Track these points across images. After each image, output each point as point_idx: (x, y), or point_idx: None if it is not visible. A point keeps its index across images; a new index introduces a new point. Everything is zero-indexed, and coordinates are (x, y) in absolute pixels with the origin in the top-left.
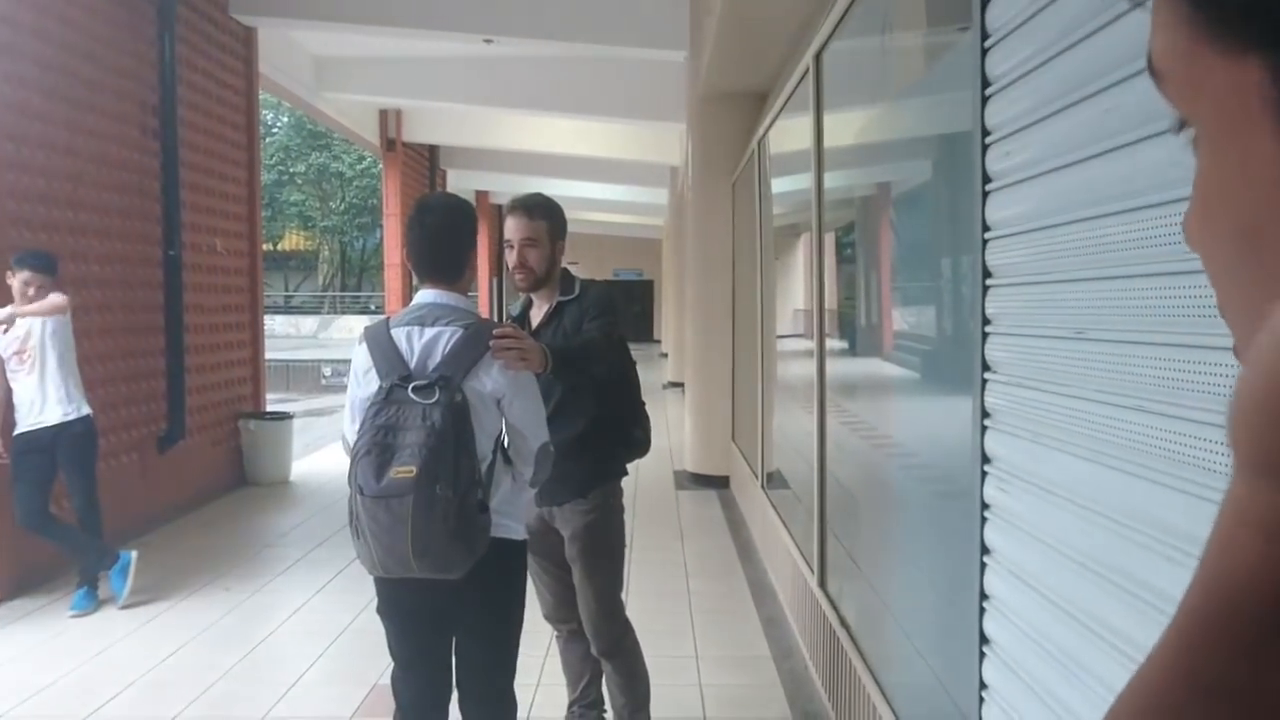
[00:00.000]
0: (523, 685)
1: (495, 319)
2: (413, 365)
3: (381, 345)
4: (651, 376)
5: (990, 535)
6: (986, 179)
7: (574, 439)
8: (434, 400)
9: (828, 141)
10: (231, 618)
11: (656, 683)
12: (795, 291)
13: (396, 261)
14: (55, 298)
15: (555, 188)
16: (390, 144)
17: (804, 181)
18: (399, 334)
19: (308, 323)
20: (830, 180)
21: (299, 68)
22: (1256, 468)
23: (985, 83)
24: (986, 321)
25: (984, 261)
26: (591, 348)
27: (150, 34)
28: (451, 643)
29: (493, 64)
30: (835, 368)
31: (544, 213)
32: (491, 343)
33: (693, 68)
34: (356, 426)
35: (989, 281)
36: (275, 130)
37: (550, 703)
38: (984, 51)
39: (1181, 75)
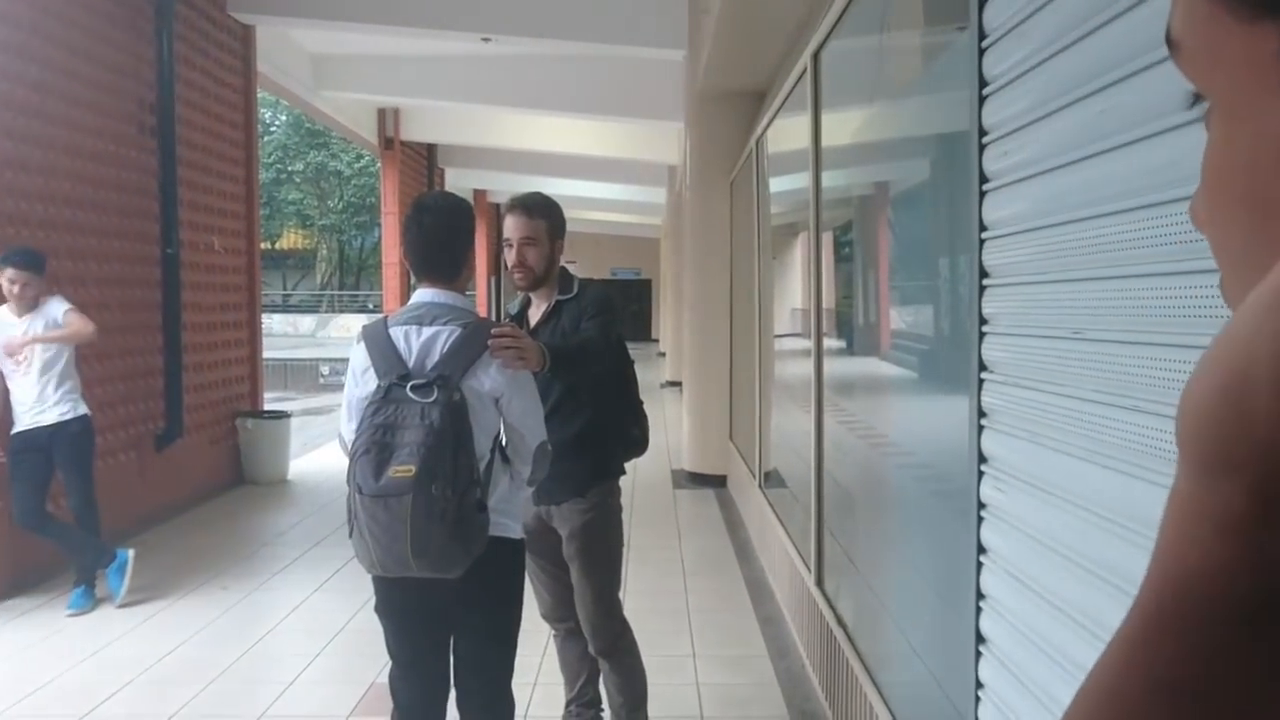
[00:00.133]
0: (520, 684)
1: (493, 318)
2: (411, 364)
3: (380, 344)
4: (649, 375)
5: (987, 535)
6: (984, 179)
7: (572, 438)
8: (432, 399)
9: (826, 141)
10: (229, 616)
11: (654, 681)
12: (793, 291)
13: (395, 260)
14: (79, 325)
15: (553, 186)
16: (388, 142)
17: (802, 181)
18: (397, 333)
19: (306, 321)
20: (828, 180)
21: (297, 66)
22: (1207, 465)
23: (983, 82)
24: (983, 321)
25: (981, 261)
26: (589, 346)
27: (148, 32)
28: (449, 642)
29: (491, 63)
30: (832, 367)
31: (543, 212)
32: (490, 342)
33: (691, 67)
34: (354, 425)
35: (986, 281)
36: (273, 128)
37: (548, 701)
38: (981, 51)
39: (1199, 45)
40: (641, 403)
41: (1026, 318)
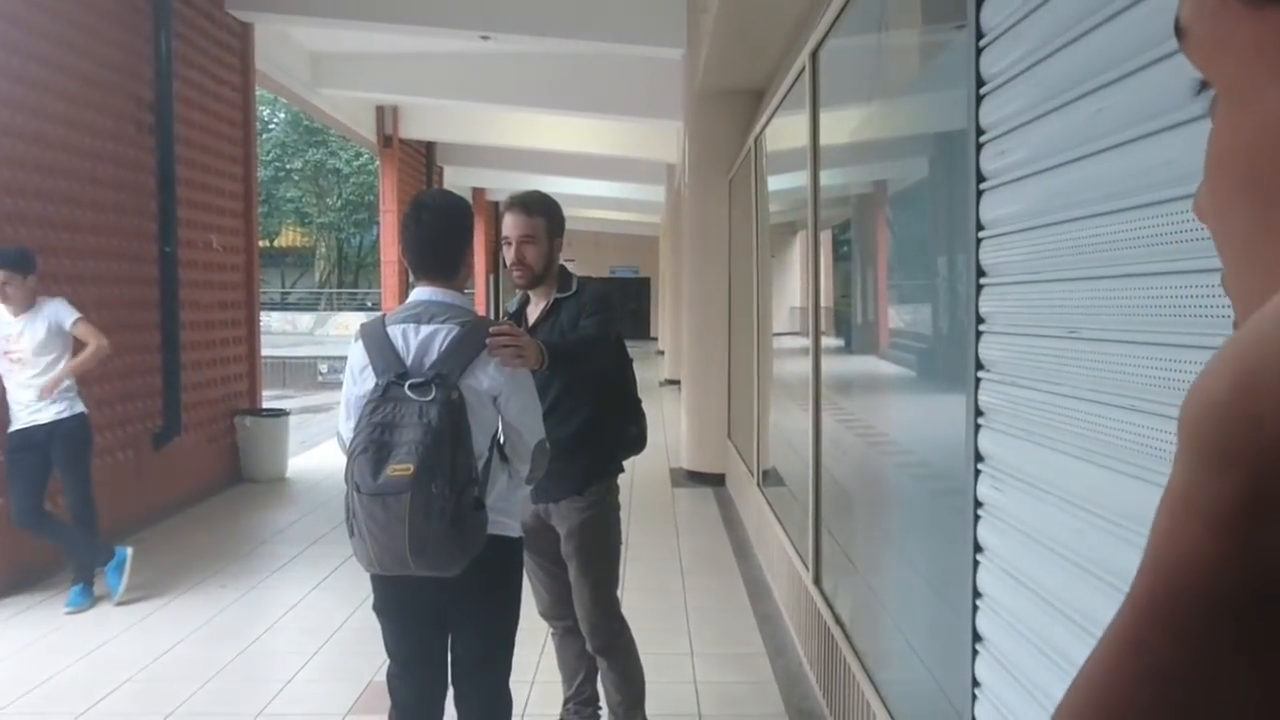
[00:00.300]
0: (518, 682)
1: (492, 316)
2: (409, 363)
3: (378, 342)
4: (648, 374)
5: (983, 533)
6: (980, 178)
7: (570, 436)
8: (431, 398)
9: (824, 139)
10: (227, 614)
11: (652, 680)
12: (791, 289)
13: (393, 258)
14: (97, 343)
15: (552, 185)
16: (387, 141)
17: (800, 179)
18: (395, 331)
19: (304, 319)
20: (826, 178)
21: (295, 64)
22: (1205, 460)
23: (980, 81)
24: (980, 320)
25: (978, 260)
26: (588, 344)
27: (146, 30)
28: (447, 640)
29: (489, 61)
30: (830, 366)
31: (542, 210)
32: (488, 340)
33: (689, 65)
34: (352, 424)
35: (983, 280)
36: (272, 126)
37: (546, 700)
38: (979, 51)
39: (1207, 32)
40: (640, 401)
41: (1023, 317)
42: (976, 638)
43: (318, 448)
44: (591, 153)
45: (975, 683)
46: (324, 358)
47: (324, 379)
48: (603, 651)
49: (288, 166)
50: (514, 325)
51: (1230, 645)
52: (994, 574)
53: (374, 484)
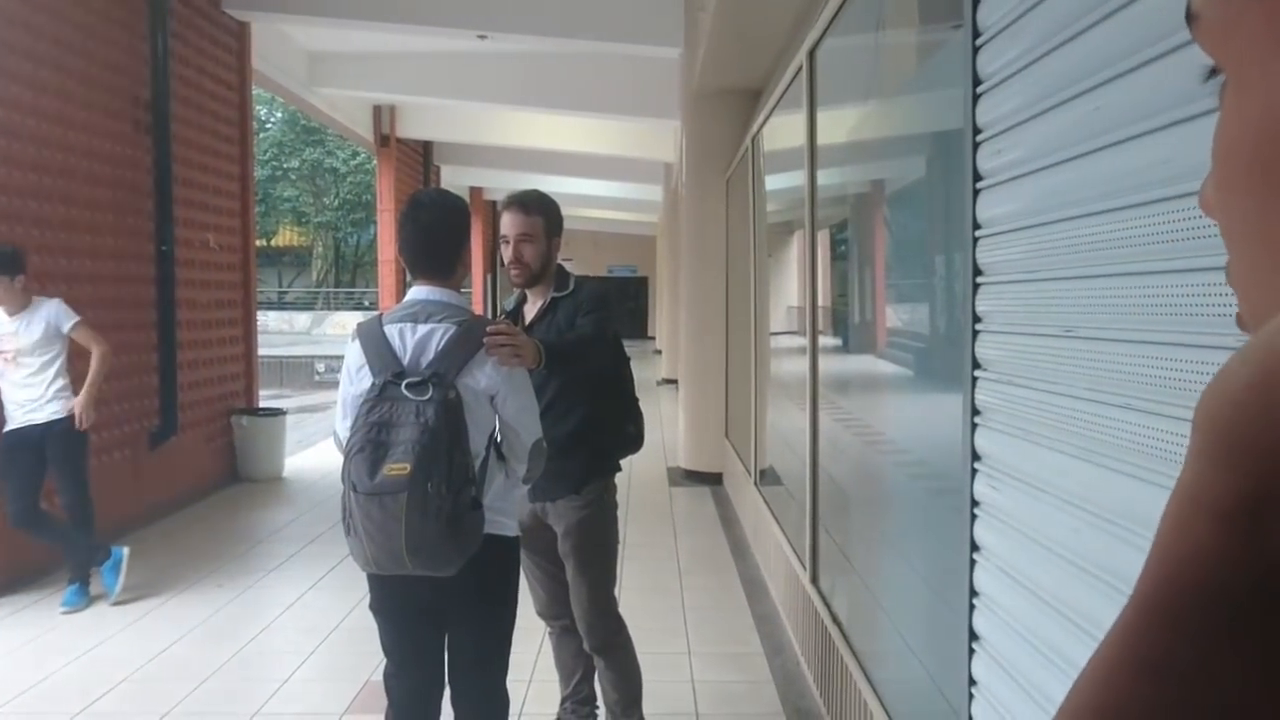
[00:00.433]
0: (515, 681)
1: (489, 315)
2: (406, 362)
3: (375, 342)
4: (645, 373)
5: (980, 532)
6: (977, 177)
7: (567, 435)
8: (427, 397)
9: (821, 139)
10: (224, 614)
11: (649, 679)
12: (788, 288)
13: (390, 258)
14: (100, 350)
15: (550, 184)
16: (384, 140)
17: (797, 178)
18: (392, 330)
19: (301, 319)
20: (823, 177)
21: (292, 63)
22: (1215, 454)
23: (976, 80)
24: (977, 319)
25: (975, 259)
26: (585, 343)
27: (142, 28)
28: (444, 639)
29: (487, 60)
30: (828, 365)
31: (540, 209)
32: (485, 339)
33: (687, 64)
34: (349, 423)
35: (979, 279)
36: (269, 125)
37: (543, 699)
38: (975, 50)
39: (1218, 15)
40: (637, 400)
41: (1019, 315)
42: (973, 636)
43: (314, 447)
44: (589, 152)
45: (972, 681)
46: (321, 357)
47: (321, 378)
48: (600, 650)
49: (285, 166)
50: (511, 324)
51: (1231, 641)
52: (991, 573)
53: (371, 483)
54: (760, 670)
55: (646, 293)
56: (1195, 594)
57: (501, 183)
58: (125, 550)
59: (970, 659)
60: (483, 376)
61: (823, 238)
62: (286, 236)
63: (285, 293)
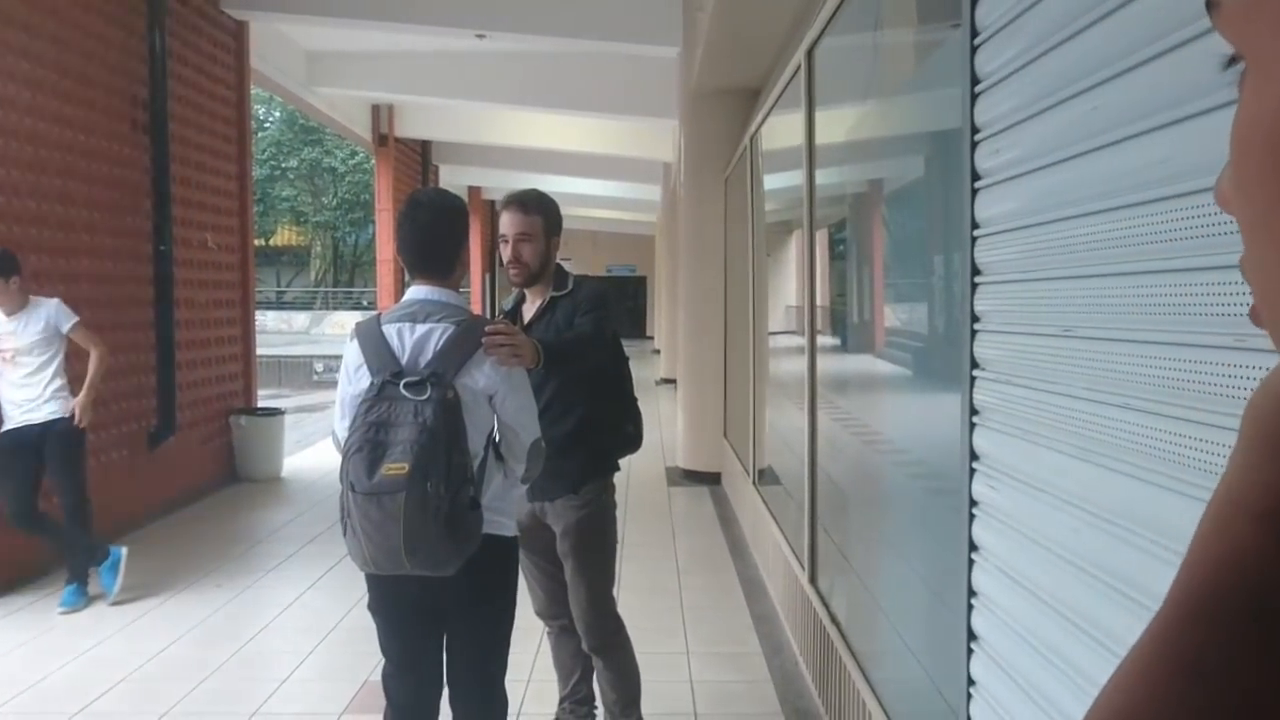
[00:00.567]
0: (514, 681)
1: (488, 315)
2: (404, 361)
3: (373, 341)
4: (644, 373)
5: (978, 532)
6: (976, 176)
7: (566, 435)
8: (426, 397)
9: (819, 138)
10: (222, 614)
11: (647, 679)
12: (787, 288)
13: (389, 257)
14: (99, 352)
15: (548, 183)
16: (382, 139)
17: (796, 178)
18: (390, 330)
19: (299, 318)
20: (822, 177)
21: (291, 62)
22: (1259, 454)
23: (975, 80)
24: (975, 319)
25: (973, 259)
26: (584, 342)
27: (141, 28)
28: (443, 639)
29: (485, 59)
30: (826, 364)
31: (539, 208)
32: (484, 339)
33: (685, 63)
34: (347, 423)
35: (978, 279)
36: (267, 125)
37: (541, 699)
38: (974, 49)
39: (1240, 2)
40: (636, 399)
41: (1017, 315)
42: (972, 636)
43: (313, 447)
44: (587, 151)
45: (970, 681)
46: (319, 357)
47: (319, 378)
48: (598, 650)
49: (283, 165)
50: (510, 324)
51: (1265, 642)
52: (989, 573)
53: (369, 483)
54: (759, 670)
55: (645, 292)
56: (1232, 595)
57: (500, 182)
58: (124, 550)
59: (969, 659)
60: (481, 376)
61: (821, 237)
62: (285, 236)
63: (284, 292)
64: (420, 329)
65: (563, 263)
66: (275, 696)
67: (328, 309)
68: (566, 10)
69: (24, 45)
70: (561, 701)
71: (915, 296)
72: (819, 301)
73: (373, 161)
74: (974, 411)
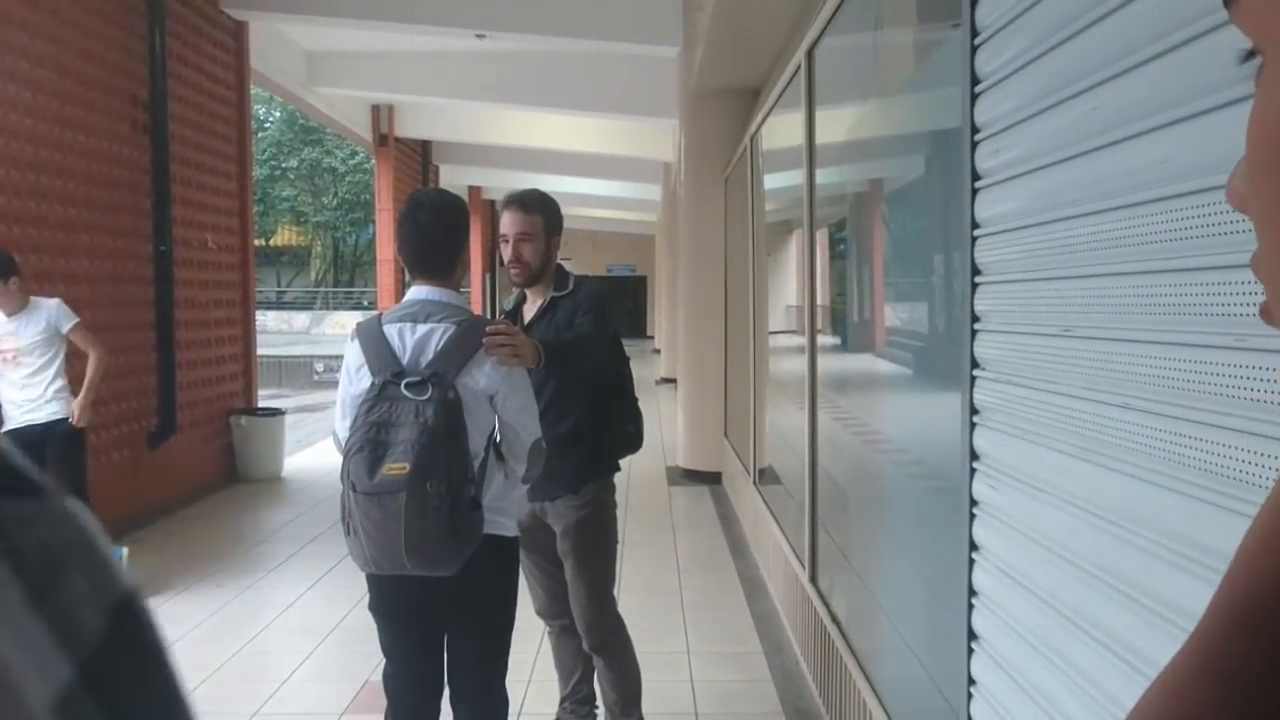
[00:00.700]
0: (514, 681)
1: (488, 315)
2: (405, 362)
3: (374, 341)
4: (644, 372)
5: (979, 532)
6: (976, 176)
7: (566, 435)
8: (427, 397)
9: (820, 138)
10: (223, 614)
11: (648, 678)
12: (787, 288)
13: (389, 257)
14: (98, 354)
15: (548, 183)
16: (383, 139)
17: (796, 178)
18: (391, 330)
19: (300, 318)
20: (822, 177)
21: (291, 62)
22: None
23: (975, 80)
24: (975, 319)
25: (973, 258)
26: (584, 343)
27: (140, 28)
28: (443, 639)
29: (485, 59)
30: (827, 364)
31: (540, 208)
32: (484, 339)
33: (685, 63)
34: (348, 423)
35: (978, 279)
36: (267, 125)
37: (542, 698)
38: (974, 49)
39: None
40: (636, 399)
41: (1018, 315)
42: (972, 636)
43: (313, 447)
44: (588, 151)
45: (971, 681)
46: (320, 357)
47: (320, 378)
48: (599, 650)
49: (283, 165)
50: (510, 324)
51: None
52: (989, 572)
53: (370, 483)
54: (759, 669)
55: (645, 292)
56: (1276, 605)
57: (500, 182)
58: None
59: (969, 658)
60: (482, 376)
61: (821, 237)
62: (285, 236)
63: (284, 292)
64: (421, 329)
65: (563, 263)
66: (276, 697)
67: (328, 309)
68: (566, 10)
69: (24, 45)
70: (562, 701)
71: (915, 296)
72: (819, 301)
73: (373, 161)
74: (974, 411)
